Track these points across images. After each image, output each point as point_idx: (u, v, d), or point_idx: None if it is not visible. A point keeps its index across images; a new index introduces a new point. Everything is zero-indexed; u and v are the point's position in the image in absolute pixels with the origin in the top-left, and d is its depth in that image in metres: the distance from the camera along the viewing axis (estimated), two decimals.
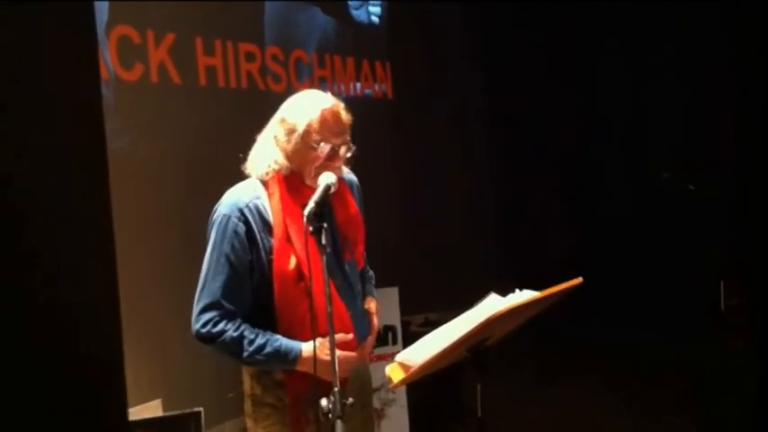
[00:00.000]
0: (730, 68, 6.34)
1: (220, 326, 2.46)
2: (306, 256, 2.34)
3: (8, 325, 1.01)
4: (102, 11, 3.90)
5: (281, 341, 2.47)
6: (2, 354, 1.01)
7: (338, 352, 2.29)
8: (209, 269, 2.50)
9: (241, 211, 2.49)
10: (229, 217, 2.49)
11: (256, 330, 2.47)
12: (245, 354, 2.46)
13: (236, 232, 2.48)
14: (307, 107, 2.51)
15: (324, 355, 2.34)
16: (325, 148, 2.48)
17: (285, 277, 2.47)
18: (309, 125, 2.48)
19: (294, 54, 5.22)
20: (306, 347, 2.45)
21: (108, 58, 3.97)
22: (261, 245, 2.49)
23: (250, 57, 4.86)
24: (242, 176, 2.62)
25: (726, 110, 6.37)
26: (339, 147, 2.51)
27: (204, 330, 2.47)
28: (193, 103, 4.46)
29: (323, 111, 2.49)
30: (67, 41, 1.03)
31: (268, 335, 2.48)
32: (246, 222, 2.49)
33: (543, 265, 3.66)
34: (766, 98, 5.29)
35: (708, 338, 5.43)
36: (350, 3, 5.85)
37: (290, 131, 2.49)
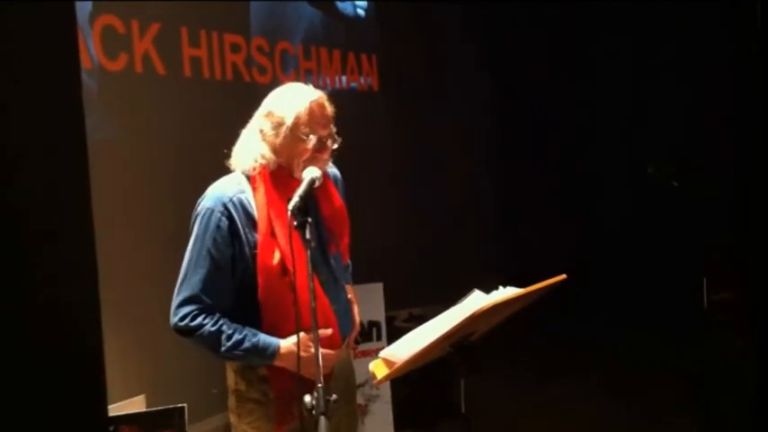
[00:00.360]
0: (730, 68, 6.35)
1: (198, 320, 2.44)
2: (290, 251, 2.33)
3: None
4: (86, 2, 3.86)
5: (260, 336, 2.46)
6: None
7: (323, 351, 2.29)
8: (190, 262, 2.48)
9: (225, 205, 2.47)
10: (213, 211, 2.47)
11: (234, 326, 2.46)
12: (223, 349, 2.44)
13: (218, 227, 2.46)
14: (293, 100, 2.50)
15: (303, 351, 2.32)
16: (313, 140, 2.48)
17: (269, 272, 2.45)
18: (298, 117, 2.47)
19: (280, 46, 5.19)
20: (284, 343, 2.45)
21: (92, 47, 3.93)
22: (244, 239, 2.47)
23: (235, 48, 4.83)
24: (227, 168, 2.60)
25: (724, 109, 6.39)
26: (326, 138, 2.51)
27: (182, 324, 2.45)
28: (178, 94, 4.43)
29: (311, 103, 2.49)
30: (47, 30, 1.01)
31: (246, 330, 2.46)
32: (230, 217, 2.47)
33: (540, 263, 3.65)
34: (766, 97, 5.31)
35: (704, 336, 5.44)
36: None
37: (278, 125, 2.48)
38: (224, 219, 2.47)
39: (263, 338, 2.46)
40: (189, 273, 2.47)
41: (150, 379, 4.10)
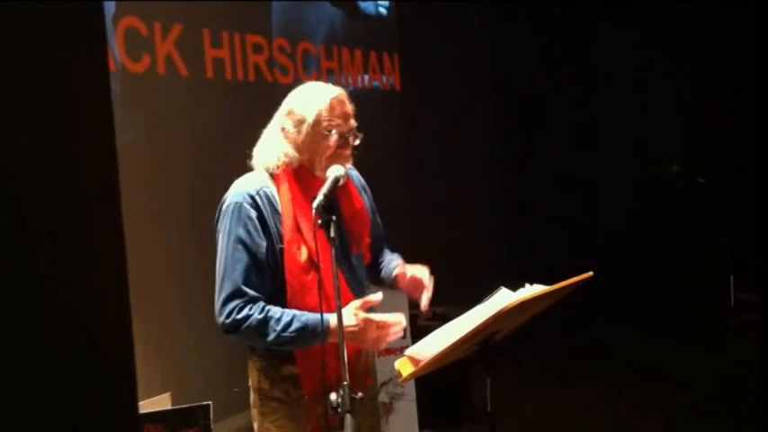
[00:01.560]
0: (733, 66, 6.32)
1: (244, 311, 2.42)
2: (315, 248, 2.34)
3: (16, 319, 1.00)
4: (109, 3, 3.89)
5: (308, 315, 2.41)
6: (12, 349, 1.00)
7: (381, 315, 2.41)
8: (226, 258, 2.46)
9: (252, 197, 2.48)
10: (241, 204, 2.48)
11: (280, 309, 2.44)
12: (273, 334, 2.41)
13: (249, 217, 2.47)
14: (314, 97, 2.51)
15: (354, 323, 2.38)
16: (335, 136, 2.49)
17: (296, 268, 2.45)
18: (319, 114, 2.48)
19: (301, 46, 5.20)
20: (333, 318, 2.36)
21: (115, 49, 3.96)
22: (273, 230, 2.48)
23: (257, 48, 4.84)
24: (250, 168, 2.61)
25: (731, 106, 6.35)
26: (348, 134, 2.52)
27: (229, 320, 2.42)
28: (200, 96, 4.45)
29: (331, 99, 2.50)
30: (76, 33, 1.02)
31: (293, 312, 2.44)
32: (258, 208, 2.48)
33: (554, 261, 3.63)
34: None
35: (719, 337, 5.39)
36: None
37: (300, 122, 2.49)
38: (252, 210, 2.47)
39: (311, 316, 2.40)
40: (227, 269, 2.46)
41: (174, 377, 4.12)
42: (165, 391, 3.76)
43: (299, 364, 2.50)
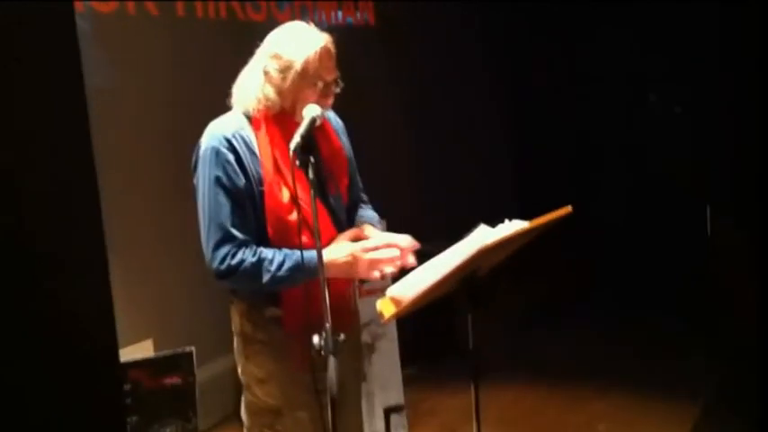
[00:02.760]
0: (734, 66, 6.28)
1: (238, 256, 2.40)
2: (294, 189, 2.32)
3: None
4: None
5: (298, 253, 2.39)
6: None
7: (385, 251, 2.46)
8: (209, 203, 2.43)
9: (228, 140, 2.44)
10: (218, 148, 2.44)
11: (272, 249, 2.43)
12: (268, 275, 2.40)
13: (227, 161, 2.43)
14: (303, 43, 2.45)
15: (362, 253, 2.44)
16: (320, 86, 2.45)
17: (278, 208, 2.43)
18: (307, 62, 2.43)
19: None
20: (324, 252, 2.37)
21: None
22: (252, 173, 2.45)
23: None
24: (225, 107, 2.56)
25: (728, 109, 6.34)
26: (332, 83, 2.48)
27: (224, 266, 2.40)
28: (171, 35, 4.36)
29: (321, 48, 2.44)
30: None
31: (284, 251, 2.43)
32: (235, 151, 2.44)
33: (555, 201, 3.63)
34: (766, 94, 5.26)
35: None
36: None
37: (286, 68, 2.44)
38: (229, 153, 2.43)
39: (305, 253, 2.38)
40: (212, 214, 2.43)
41: (156, 323, 4.11)
42: (147, 338, 3.76)
43: (283, 305, 2.50)
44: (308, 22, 2.55)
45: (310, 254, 2.36)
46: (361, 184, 2.83)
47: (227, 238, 2.41)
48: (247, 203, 2.44)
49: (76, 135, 1.02)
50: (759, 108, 5.33)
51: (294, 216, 2.43)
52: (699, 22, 6.41)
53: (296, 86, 2.45)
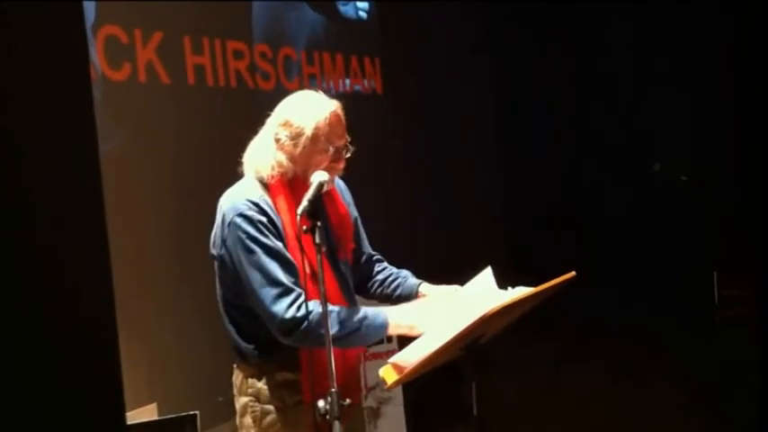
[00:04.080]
0: (733, 65, 6.35)
1: (303, 308, 2.36)
2: (301, 256, 2.34)
3: (7, 326, 0.99)
4: (89, 11, 3.86)
5: (365, 308, 2.46)
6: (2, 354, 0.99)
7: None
8: (259, 269, 2.40)
9: (254, 203, 2.46)
10: (246, 213, 2.44)
11: (334, 306, 2.41)
12: (339, 327, 2.37)
13: (260, 221, 2.43)
14: (313, 110, 2.50)
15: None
16: (331, 151, 2.49)
17: (302, 276, 2.44)
18: (317, 128, 2.47)
19: (283, 51, 5.19)
20: (389, 312, 2.45)
21: (95, 58, 3.94)
22: (282, 235, 2.47)
23: (238, 55, 4.83)
24: (234, 174, 2.60)
25: (728, 107, 6.39)
26: (343, 148, 2.52)
27: (288, 316, 2.35)
28: (182, 103, 4.43)
29: (330, 114, 2.49)
30: (58, 43, 1.02)
31: (346, 306, 2.46)
32: (264, 213, 2.45)
33: (547, 262, 3.62)
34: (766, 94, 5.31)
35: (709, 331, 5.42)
36: None
37: (297, 135, 2.48)
38: (259, 215, 2.44)
39: (368, 309, 2.45)
40: (267, 275, 2.40)
41: (160, 388, 4.09)
42: (151, 402, 3.74)
43: (303, 370, 2.47)
44: (316, 90, 2.60)
45: (375, 310, 2.43)
46: (366, 240, 2.86)
47: (285, 291, 2.38)
48: (289, 257, 2.45)
49: (89, 200, 1.05)
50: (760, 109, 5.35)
51: (311, 285, 2.42)
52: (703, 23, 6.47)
53: (307, 152, 2.48)
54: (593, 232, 7.14)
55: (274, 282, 2.39)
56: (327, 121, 2.48)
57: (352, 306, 2.54)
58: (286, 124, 2.50)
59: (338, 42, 5.75)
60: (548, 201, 7.43)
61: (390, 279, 2.79)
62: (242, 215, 2.44)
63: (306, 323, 2.33)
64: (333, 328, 2.32)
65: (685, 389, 4.98)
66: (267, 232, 2.43)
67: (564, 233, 7.19)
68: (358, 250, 2.79)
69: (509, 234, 7.49)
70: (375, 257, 2.87)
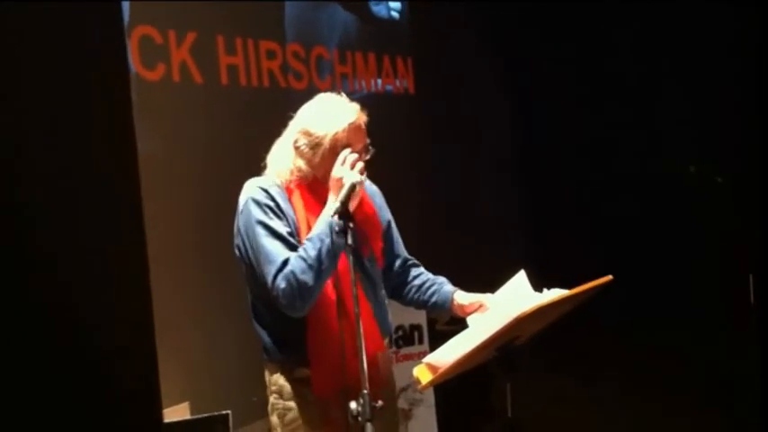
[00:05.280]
0: (748, 67, 6.27)
1: (286, 267, 2.41)
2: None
3: (41, 329, 1.00)
4: (122, 11, 3.89)
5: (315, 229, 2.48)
6: (40, 360, 1.00)
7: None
8: (263, 247, 2.45)
9: (265, 190, 2.52)
10: (256, 198, 2.51)
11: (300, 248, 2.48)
12: (312, 259, 2.40)
13: (267, 206, 2.49)
14: (331, 120, 2.51)
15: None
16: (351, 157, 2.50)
17: None
18: (335, 139, 2.49)
19: (315, 51, 5.20)
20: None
21: (130, 58, 3.96)
22: (290, 221, 2.50)
23: (271, 55, 4.84)
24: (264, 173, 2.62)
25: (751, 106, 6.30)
26: (361, 152, 2.53)
27: (282, 284, 2.40)
28: (215, 103, 4.45)
29: (348, 123, 2.49)
30: (97, 43, 1.02)
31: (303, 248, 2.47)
32: (273, 199, 2.51)
33: (574, 264, 3.60)
34: None
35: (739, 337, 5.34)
36: None
37: (316, 145, 2.51)
38: (268, 200, 2.49)
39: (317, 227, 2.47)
40: (268, 254, 2.45)
41: (192, 387, 4.11)
42: (183, 401, 3.76)
43: (311, 367, 2.50)
44: (339, 93, 2.60)
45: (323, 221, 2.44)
46: (401, 244, 2.85)
47: (283, 264, 2.42)
48: (294, 240, 2.47)
49: (129, 200, 1.05)
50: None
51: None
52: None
53: (326, 160, 2.50)
54: (620, 235, 7.06)
55: (274, 261, 2.42)
56: (345, 131, 2.49)
57: (378, 306, 2.58)
58: (305, 133, 2.53)
59: (370, 42, 5.74)
60: (569, 204, 7.36)
61: (427, 285, 2.79)
62: (252, 199, 2.50)
63: (292, 280, 2.38)
64: (310, 261, 2.37)
65: (728, 390, 4.92)
66: (273, 216, 2.48)
67: (588, 236, 7.13)
68: (391, 254, 2.79)
69: (534, 236, 7.44)
70: (411, 262, 2.87)
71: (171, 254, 4.08)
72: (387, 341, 2.71)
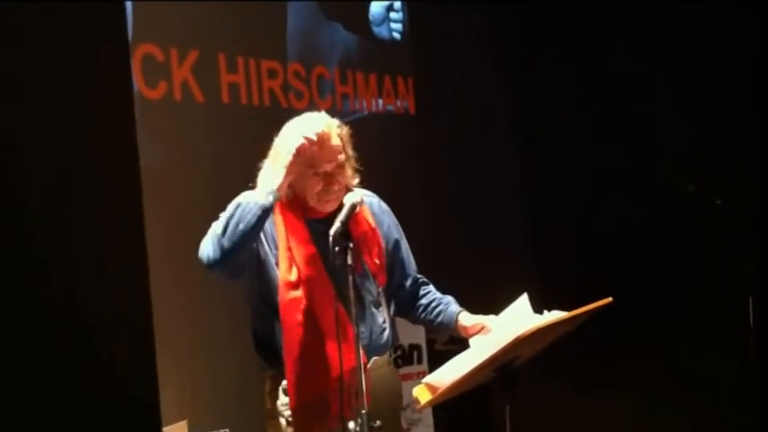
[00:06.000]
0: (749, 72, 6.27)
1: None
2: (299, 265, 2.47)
3: (46, 359, 1.00)
4: (127, 30, 3.91)
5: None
6: (36, 377, 1.00)
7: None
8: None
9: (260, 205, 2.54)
10: (240, 201, 2.58)
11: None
12: (221, 227, 2.55)
13: (244, 199, 2.55)
14: (293, 137, 2.54)
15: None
16: (321, 173, 2.51)
17: (286, 285, 2.52)
18: (296, 155, 2.49)
19: (316, 71, 5.22)
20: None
21: (132, 76, 3.98)
22: (266, 231, 2.57)
23: (272, 74, 4.86)
24: None
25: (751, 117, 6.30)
26: (334, 170, 2.53)
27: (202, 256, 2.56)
28: (216, 121, 4.47)
29: (306, 139, 2.49)
30: (100, 59, 1.03)
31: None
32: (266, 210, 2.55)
33: (579, 282, 3.59)
34: None
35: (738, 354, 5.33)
36: (372, 19, 5.85)
37: (282, 163, 2.52)
38: (258, 211, 2.51)
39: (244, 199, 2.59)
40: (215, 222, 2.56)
41: (190, 405, 4.10)
42: (182, 419, 3.74)
43: (287, 376, 2.53)
44: (319, 111, 2.63)
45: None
46: (413, 264, 2.85)
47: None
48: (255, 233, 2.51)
49: (131, 217, 1.06)
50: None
51: (296, 293, 2.47)
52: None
53: (294, 178, 2.52)
54: (623, 255, 7.05)
55: (214, 228, 2.55)
56: (303, 147, 2.50)
57: (366, 322, 2.58)
58: (275, 150, 2.55)
59: (371, 62, 5.76)
60: (572, 221, 7.35)
61: (433, 305, 2.80)
62: (235, 203, 2.58)
63: (209, 246, 2.59)
64: (215, 251, 2.52)
65: (721, 411, 4.92)
66: (247, 208, 2.50)
67: (592, 254, 7.12)
68: (401, 273, 2.79)
69: (538, 257, 7.44)
70: (420, 280, 2.87)
71: (168, 269, 4.09)
72: (387, 355, 2.70)
